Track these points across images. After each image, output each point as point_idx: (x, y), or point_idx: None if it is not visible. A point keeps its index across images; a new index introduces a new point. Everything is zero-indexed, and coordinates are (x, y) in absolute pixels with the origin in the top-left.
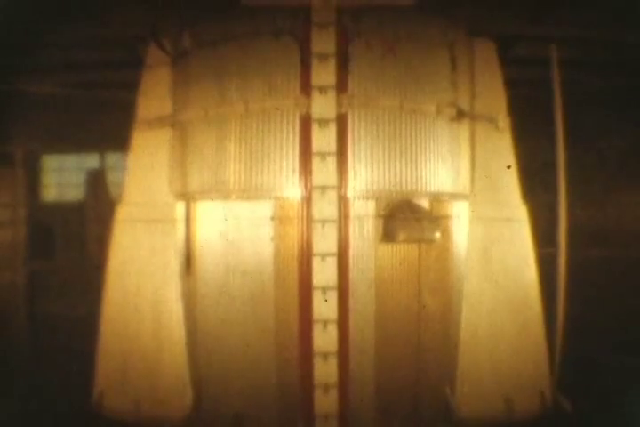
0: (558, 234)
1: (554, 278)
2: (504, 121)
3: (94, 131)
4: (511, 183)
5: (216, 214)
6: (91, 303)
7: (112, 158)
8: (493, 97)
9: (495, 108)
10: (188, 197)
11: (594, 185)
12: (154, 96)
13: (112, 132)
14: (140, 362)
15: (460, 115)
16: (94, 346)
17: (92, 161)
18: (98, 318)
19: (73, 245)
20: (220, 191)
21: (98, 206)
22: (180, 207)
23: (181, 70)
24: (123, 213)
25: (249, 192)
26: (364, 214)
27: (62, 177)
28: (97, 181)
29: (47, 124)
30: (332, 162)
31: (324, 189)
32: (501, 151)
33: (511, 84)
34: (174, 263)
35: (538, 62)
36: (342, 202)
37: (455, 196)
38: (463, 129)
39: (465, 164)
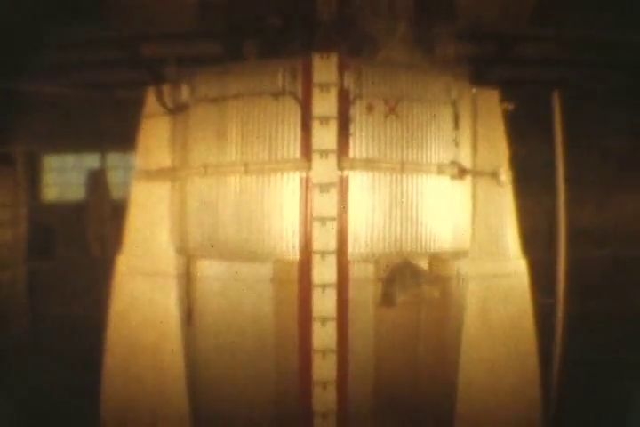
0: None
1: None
2: (506, 174)
3: (95, 130)
4: (511, 237)
5: (216, 272)
6: (90, 303)
7: (113, 158)
8: (495, 151)
9: (497, 163)
10: (188, 252)
11: (594, 185)
12: (153, 147)
13: (113, 131)
14: (142, 412)
15: (461, 173)
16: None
17: (92, 161)
18: (97, 318)
19: (73, 244)
20: (220, 251)
21: (99, 206)
22: (180, 262)
23: (181, 123)
24: (123, 264)
25: (248, 254)
26: (364, 278)
27: (63, 177)
28: (98, 181)
29: (48, 124)
30: (332, 226)
31: (324, 253)
32: (502, 205)
33: (512, 84)
34: (175, 317)
35: (538, 62)
36: (342, 266)
37: (455, 254)
38: (464, 186)
39: (466, 220)
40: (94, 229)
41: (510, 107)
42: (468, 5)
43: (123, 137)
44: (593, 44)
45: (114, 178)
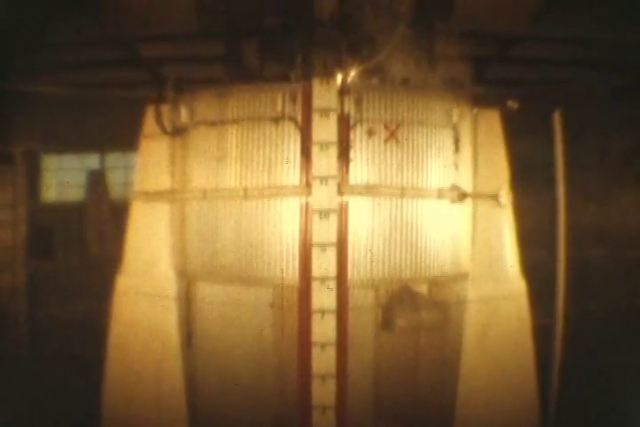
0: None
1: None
2: (506, 196)
3: (94, 131)
4: (511, 258)
5: (215, 296)
6: (90, 304)
7: (113, 158)
8: (496, 173)
9: (497, 185)
10: (188, 275)
11: (594, 185)
12: (152, 168)
13: (112, 131)
14: None
15: (461, 197)
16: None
17: (92, 161)
18: (97, 319)
19: (73, 245)
20: (219, 275)
21: (98, 206)
22: (180, 284)
23: (180, 145)
24: (122, 285)
25: (248, 278)
26: (363, 304)
27: (63, 177)
28: (97, 182)
29: (47, 124)
30: (331, 252)
31: (323, 279)
32: (502, 227)
33: (512, 84)
34: (175, 339)
35: (538, 62)
36: (342, 292)
37: (455, 278)
38: (464, 209)
39: (465, 244)
40: (93, 229)
41: (515, 106)
42: (468, 5)
43: (123, 137)
44: (593, 44)
45: (114, 178)
